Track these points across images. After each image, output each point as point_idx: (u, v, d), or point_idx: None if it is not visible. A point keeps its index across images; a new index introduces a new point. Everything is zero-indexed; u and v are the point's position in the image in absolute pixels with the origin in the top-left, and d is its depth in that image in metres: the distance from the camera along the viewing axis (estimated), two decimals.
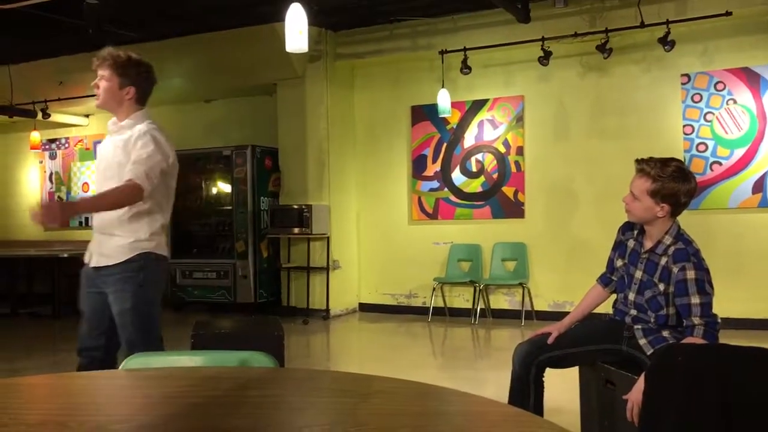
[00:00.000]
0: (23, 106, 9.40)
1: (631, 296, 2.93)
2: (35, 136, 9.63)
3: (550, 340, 2.94)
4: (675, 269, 2.74)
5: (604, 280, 3.15)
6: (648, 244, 2.89)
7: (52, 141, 10.63)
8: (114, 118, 3.18)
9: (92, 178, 10.13)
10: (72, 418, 1.50)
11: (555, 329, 2.99)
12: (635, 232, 2.98)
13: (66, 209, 3.00)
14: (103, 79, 3.10)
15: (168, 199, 3.20)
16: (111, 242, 3.08)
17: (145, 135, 3.05)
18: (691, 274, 2.70)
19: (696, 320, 2.66)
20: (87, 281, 3.18)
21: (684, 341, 2.65)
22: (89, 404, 1.64)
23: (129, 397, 1.65)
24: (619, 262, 3.03)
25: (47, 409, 1.61)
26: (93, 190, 3.05)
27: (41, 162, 10.77)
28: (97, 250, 3.12)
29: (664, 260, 2.80)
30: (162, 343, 3.19)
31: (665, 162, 2.78)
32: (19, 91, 9.06)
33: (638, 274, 2.90)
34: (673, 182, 2.74)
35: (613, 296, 3.15)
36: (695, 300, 2.67)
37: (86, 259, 3.20)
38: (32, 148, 9.80)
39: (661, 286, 2.80)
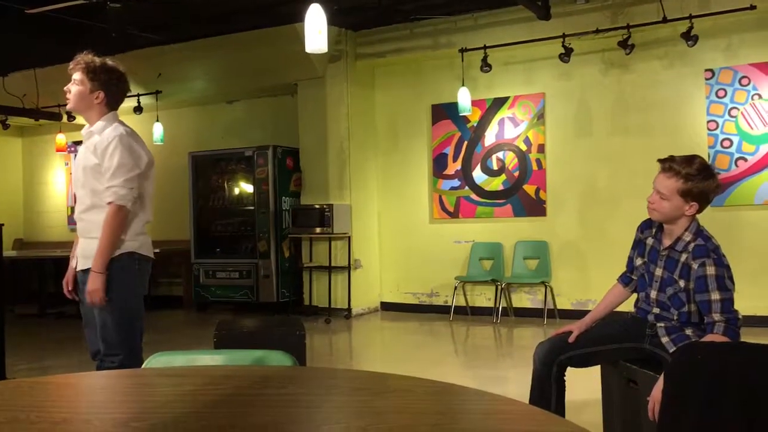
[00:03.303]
0: (49, 109, 9.55)
1: (653, 294, 2.90)
2: (61, 138, 9.78)
3: (570, 339, 2.93)
4: (695, 265, 2.72)
5: (625, 280, 3.13)
6: (667, 242, 2.87)
7: (78, 143, 10.76)
8: (87, 125, 3.23)
9: None
10: (95, 415, 1.53)
11: (576, 328, 2.97)
12: (654, 229, 2.96)
13: (99, 279, 3.02)
14: (74, 83, 3.15)
15: (149, 198, 3.23)
16: (93, 244, 3.09)
17: (113, 141, 3.08)
18: (711, 270, 2.68)
19: (716, 317, 2.64)
20: (80, 285, 3.22)
21: (704, 339, 2.63)
22: (112, 402, 1.67)
23: (149, 394, 1.68)
24: (638, 261, 3.01)
25: (72, 407, 1.64)
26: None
27: (67, 164, 10.93)
28: (82, 253, 3.15)
29: (684, 257, 2.78)
30: (141, 347, 3.17)
31: (689, 160, 2.76)
32: (45, 94, 9.20)
33: (659, 271, 2.88)
34: (704, 181, 2.73)
35: (634, 295, 3.13)
36: (715, 296, 2.65)
37: (73, 264, 3.23)
38: (58, 150, 9.96)
39: (682, 283, 2.78)
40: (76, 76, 3.14)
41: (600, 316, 3.08)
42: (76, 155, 3.31)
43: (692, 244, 2.77)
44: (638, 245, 3.04)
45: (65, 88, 3.17)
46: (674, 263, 2.82)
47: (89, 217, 3.13)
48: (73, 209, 10.09)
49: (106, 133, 3.13)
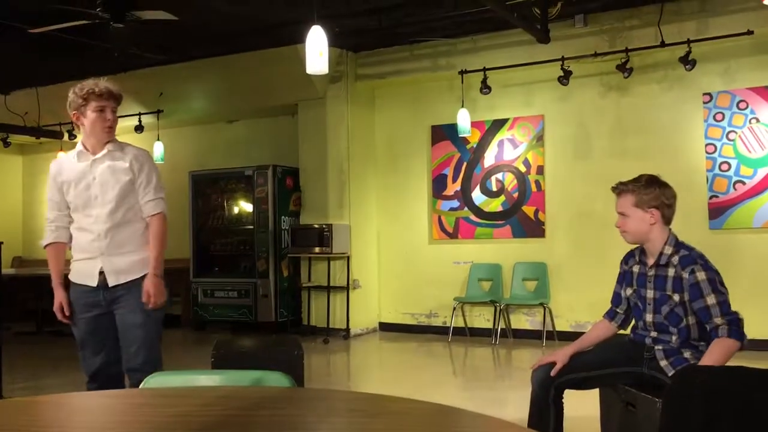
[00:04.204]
0: (50, 128, 9.58)
1: (649, 318, 2.91)
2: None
3: (553, 373, 2.87)
4: (685, 274, 2.78)
5: (610, 314, 3.14)
6: (651, 261, 2.93)
7: None
8: (81, 142, 3.28)
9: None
10: None
11: (559, 360, 2.90)
12: (637, 257, 3.03)
13: (162, 283, 3.26)
14: (113, 112, 3.24)
15: None
16: (126, 259, 3.19)
17: (147, 158, 3.30)
18: (702, 276, 2.74)
19: (718, 320, 2.66)
20: (83, 306, 3.22)
21: (713, 345, 2.64)
22: (108, 422, 1.66)
23: (146, 415, 1.67)
24: (628, 291, 3.05)
25: (68, 427, 1.63)
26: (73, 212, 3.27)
27: None
28: (110, 268, 3.19)
29: (671, 271, 2.83)
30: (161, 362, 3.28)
31: (636, 178, 2.95)
32: (46, 112, 9.24)
33: (650, 293, 2.91)
34: (650, 188, 2.89)
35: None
36: (711, 300, 2.69)
37: (86, 282, 3.22)
38: None
39: (677, 297, 2.81)
40: (113, 104, 3.23)
41: (583, 349, 3.05)
42: (77, 176, 3.32)
43: (676, 256, 2.84)
44: (625, 277, 3.09)
45: (110, 118, 3.22)
46: (663, 280, 2.86)
47: (121, 233, 3.20)
48: None
49: (133, 150, 3.27)
